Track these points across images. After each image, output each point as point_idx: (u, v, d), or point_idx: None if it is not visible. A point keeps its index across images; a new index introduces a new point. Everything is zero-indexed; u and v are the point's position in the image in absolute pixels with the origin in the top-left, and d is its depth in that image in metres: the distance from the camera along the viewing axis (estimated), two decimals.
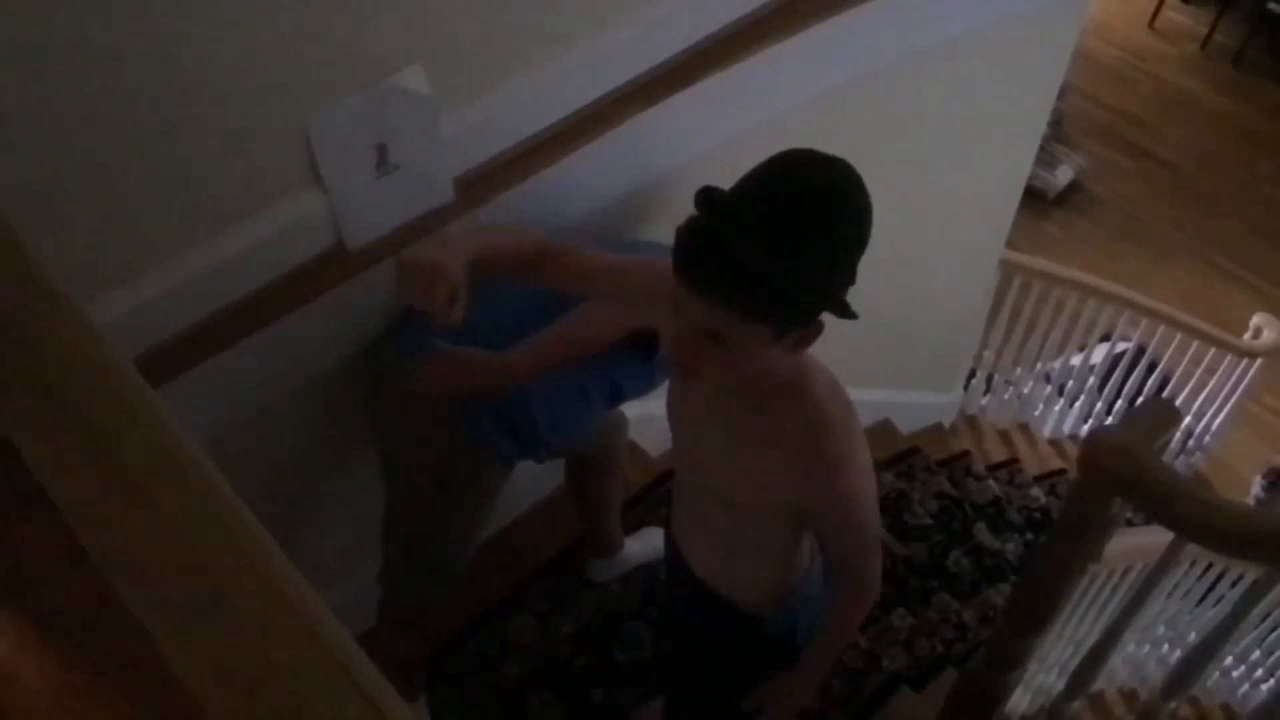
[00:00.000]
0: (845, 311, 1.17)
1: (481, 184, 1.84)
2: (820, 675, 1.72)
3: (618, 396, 1.94)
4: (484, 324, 1.78)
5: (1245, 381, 4.37)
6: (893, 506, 3.35)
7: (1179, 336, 4.19)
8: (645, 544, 2.61)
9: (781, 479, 1.39)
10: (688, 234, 1.15)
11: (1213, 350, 4.25)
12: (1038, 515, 3.78)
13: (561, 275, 1.51)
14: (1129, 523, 2.90)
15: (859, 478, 1.38)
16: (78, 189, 1.38)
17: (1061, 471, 4.27)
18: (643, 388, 1.92)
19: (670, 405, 1.55)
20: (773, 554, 1.62)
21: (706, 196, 1.15)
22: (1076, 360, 4.43)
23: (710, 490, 1.53)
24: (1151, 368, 4.36)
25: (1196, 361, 4.27)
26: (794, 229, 1.12)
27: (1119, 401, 4.43)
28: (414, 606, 2.14)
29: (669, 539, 1.81)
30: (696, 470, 1.55)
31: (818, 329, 1.22)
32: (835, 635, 1.65)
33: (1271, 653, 2.95)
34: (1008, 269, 3.96)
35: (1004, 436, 4.43)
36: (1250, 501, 4.65)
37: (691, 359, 1.22)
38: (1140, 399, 4.32)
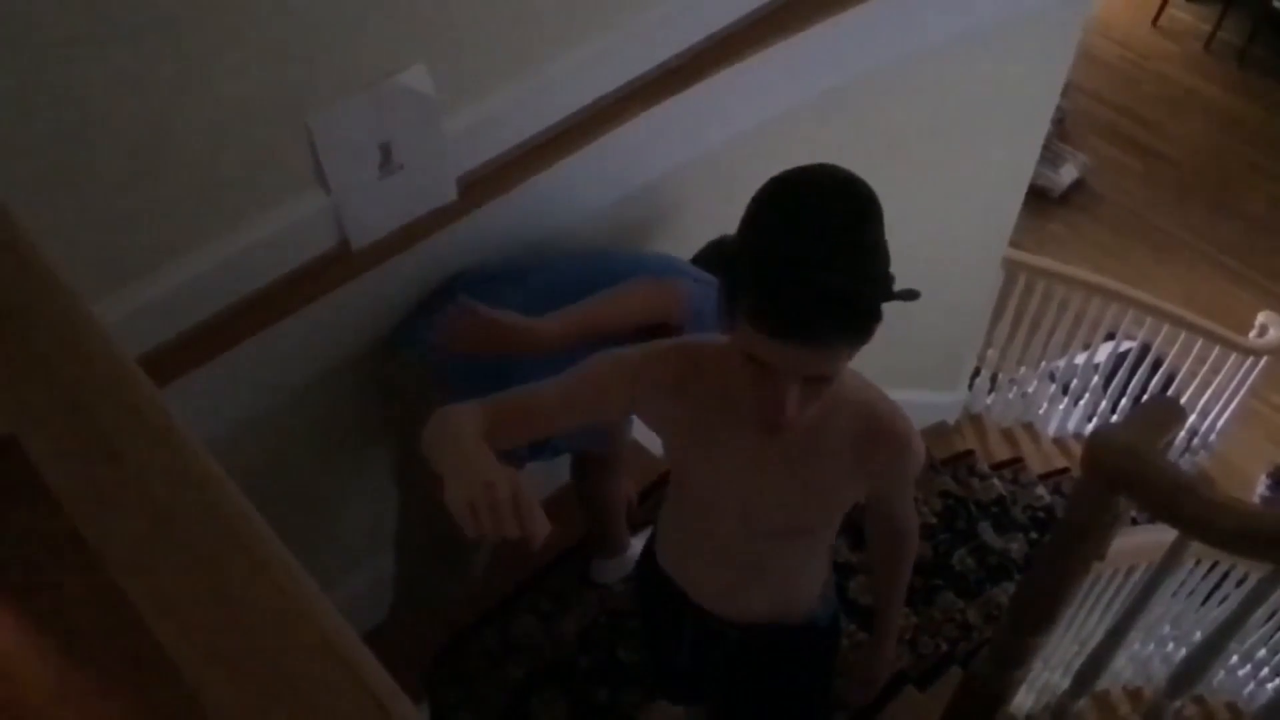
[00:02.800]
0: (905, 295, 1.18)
1: (485, 184, 1.84)
2: (897, 632, 1.76)
3: None
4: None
5: (1250, 380, 4.36)
6: None
7: (1183, 335, 4.18)
8: None
9: (859, 476, 1.39)
10: (781, 299, 1.09)
11: (1217, 349, 4.24)
12: (1042, 514, 3.78)
13: (525, 422, 1.36)
14: (1133, 521, 2.90)
15: (916, 439, 1.40)
16: (81, 189, 1.39)
17: (1066, 470, 4.27)
18: None
19: (706, 474, 1.43)
20: (828, 553, 1.62)
21: (769, 254, 1.10)
22: (1081, 359, 4.43)
23: (775, 530, 1.48)
24: (1156, 366, 4.35)
25: (1201, 360, 4.27)
26: (859, 243, 1.11)
27: (1123, 400, 4.42)
28: (433, 607, 2.14)
29: (689, 612, 1.66)
30: (756, 519, 1.46)
31: None
32: (900, 588, 1.68)
33: (1277, 651, 2.94)
34: (1012, 267, 3.96)
35: (1008, 435, 4.42)
36: (1255, 500, 4.64)
37: (796, 409, 1.18)
38: (1145, 397, 4.32)
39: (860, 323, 1.11)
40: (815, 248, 1.08)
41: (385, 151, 1.67)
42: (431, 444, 1.25)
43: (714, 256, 1.99)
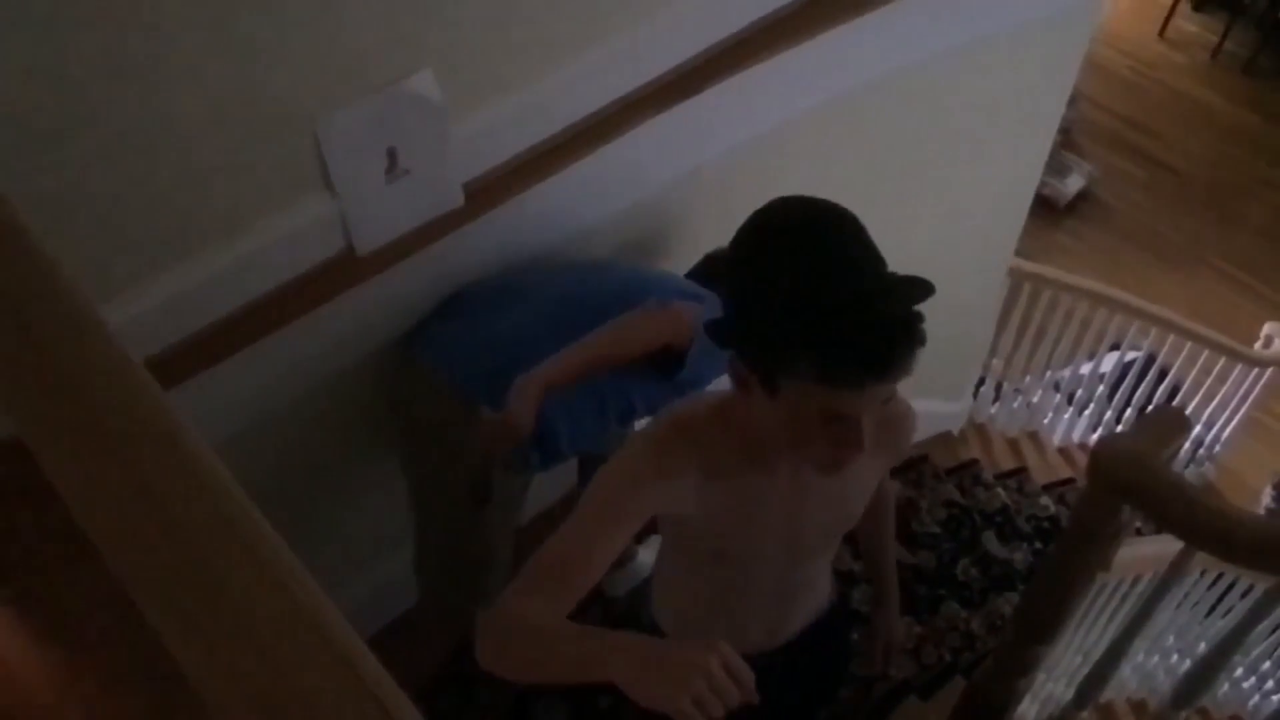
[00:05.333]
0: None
1: (491, 189, 1.85)
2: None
3: (630, 413, 1.99)
4: (509, 335, 1.83)
5: (1255, 391, 4.35)
6: (901, 514, 3.34)
7: (1189, 345, 4.17)
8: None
9: (879, 459, 1.40)
10: (859, 348, 1.07)
11: (1223, 359, 4.23)
12: (1046, 524, 3.77)
13: (570, 586, 1.24)
14: (1138, 531, 2.89)
15: (911, 407, 1.42)
16: (89, 194, 1.39)
17: (1070, 480, 4.25)
18: (655, 407, 1.96)
19: (748, 534, 1.37)
20: None
21: (824, 309, 1.07)
22: (1086, 368, 4.42)
23: (823, 548, 1.48)
24: (1161, 376, 4.35)
25: (1206, 370, 4.26)
26: (880, 260, 1.11)
27: (1128, 410, 4.41)
28: (457, 623, 2.17)
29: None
30: (804, 549, 1.45)
31: None
32: (893, 549, 1.72)
33: None
34: (1017, 277, 3.95)
35: (1013, 445, 4.41)
36: (1261, 511, 4.62)
37: (868, 437, 1.16)
38: (1150, 408, 4.31)
39: (922, 333, 1.10)
40: (865, 285, 1.07)
41: (392, 157, 1.67)
42: (533, 658, 1.15)
43: (711, 274, 2.03)
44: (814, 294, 1.07)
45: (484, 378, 1.83)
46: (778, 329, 1.09)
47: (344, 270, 1.73)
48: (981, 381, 4.33)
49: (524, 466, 1.91)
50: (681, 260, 2.13)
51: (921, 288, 1.10)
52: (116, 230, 1.45)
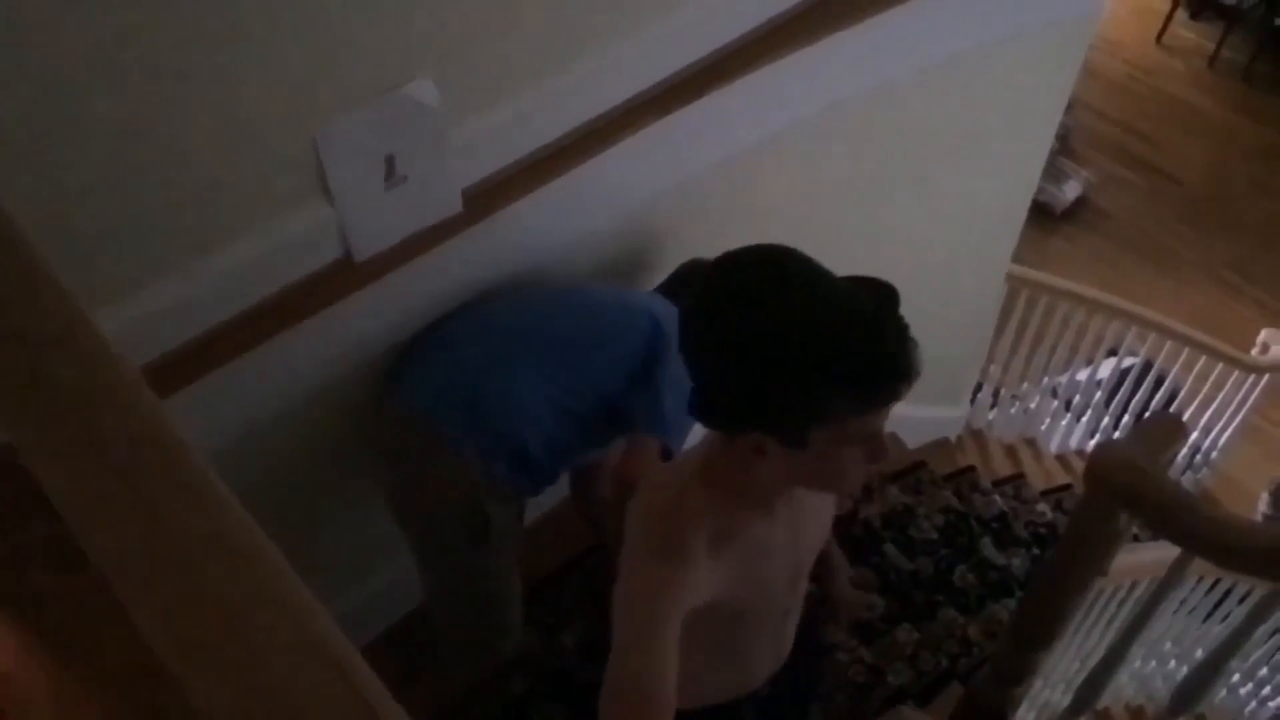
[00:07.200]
0: None
1: (490, 195, 1.85)
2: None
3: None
4: (482, 370, 1.86)
5: (1252, 397, 4.36)
6: (898, 520, 3.34)
7: (1186, 352, 4.18)
8: None
9: None
10: (885, 363, 1.10)
11: (1220, 365, 4.24)
12: (1044, 531, 3.77)
13: (667, 697, 1.20)
14: (1135, 538, 2.89)
15: None
16: (85, 202, 1.39)
17: (1068, 487, 4.26)
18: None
19: (762, 584, 1.35)
20: None
21: (841, 343, 1.09)
22: (1083, 375, 4.42)
23: (813, 563, 1.49)
24: (1159, 383, 4.35)
25: (1203, 377, 4.26)
26: (834, 276, 1.13)
27: (1126, 417, 4.41)
28: (481, 663, 2.18)
29: (748, 708, 1.58)
30: (804, 571, 1.46)
31: None
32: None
33: (1279, 670, 2.93)
34: (1015, 283, 3.96)
35: (1010, 451, 4.42)
36: (1258, 517, 4.63)
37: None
38: (1147, 414, 4.31)
39: (908, 325, 1.13)
40: (852, 308, 1.09)
41: (390, 163, 1.67)
42: None
43: (685, 280, 2.07)
44: (822, 342, 1.09)
45: (462, 417, 1.83)
46: (801, 389, 1.09)
47: (342, 277, 1.73)
48: (979, 388, 4.34)
49: (515, 496, 1.92)
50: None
51: (887, 287, 1.13)
52: (112, 237, 1.45)
